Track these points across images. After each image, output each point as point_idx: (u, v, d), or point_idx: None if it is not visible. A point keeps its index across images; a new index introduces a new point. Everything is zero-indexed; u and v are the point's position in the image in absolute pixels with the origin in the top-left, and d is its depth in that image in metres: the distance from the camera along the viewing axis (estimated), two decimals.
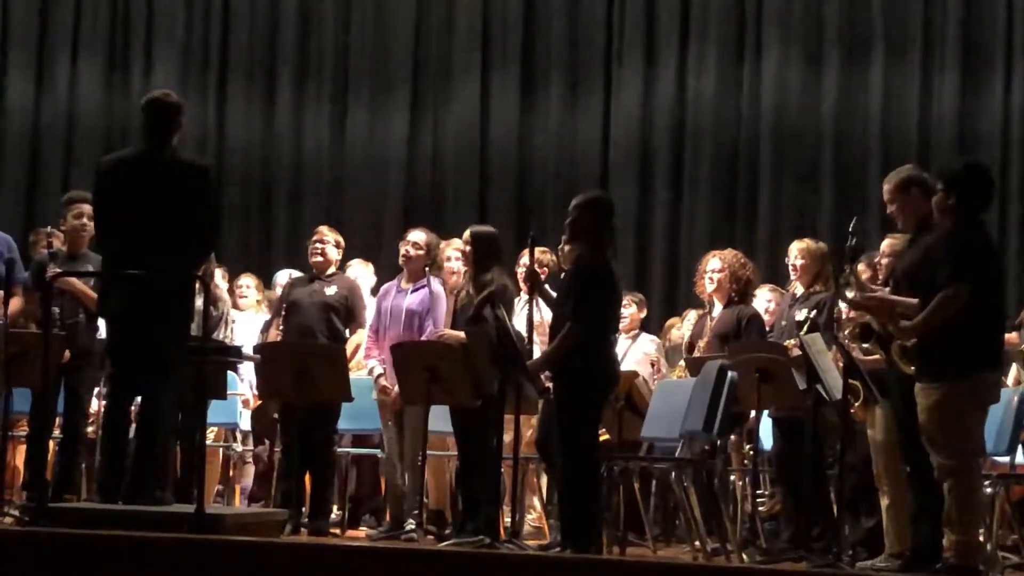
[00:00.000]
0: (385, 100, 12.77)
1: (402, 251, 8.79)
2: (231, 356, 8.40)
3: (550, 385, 7.37)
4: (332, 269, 8.88)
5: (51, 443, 8.49)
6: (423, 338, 8.47)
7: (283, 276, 10.10)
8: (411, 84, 12.77)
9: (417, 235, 8.79)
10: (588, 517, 7.04)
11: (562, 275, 7.66)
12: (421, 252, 8.70)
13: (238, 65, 13.06)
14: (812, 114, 11.98)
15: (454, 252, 8.84)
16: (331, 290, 8.75)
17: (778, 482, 8.50)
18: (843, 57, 11.93)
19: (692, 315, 9.58)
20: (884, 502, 7.11)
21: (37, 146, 13.12)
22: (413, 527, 8.21)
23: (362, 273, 9.69)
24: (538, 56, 12.64)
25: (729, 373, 7.85)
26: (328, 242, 8.89)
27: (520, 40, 12.63)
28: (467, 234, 8.38)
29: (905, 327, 6.28)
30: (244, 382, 9.49)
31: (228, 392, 8.90)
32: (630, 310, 9.56)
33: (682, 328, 9.82)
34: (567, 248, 7.49)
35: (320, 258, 8.85)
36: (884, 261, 7.22)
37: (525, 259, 8.17)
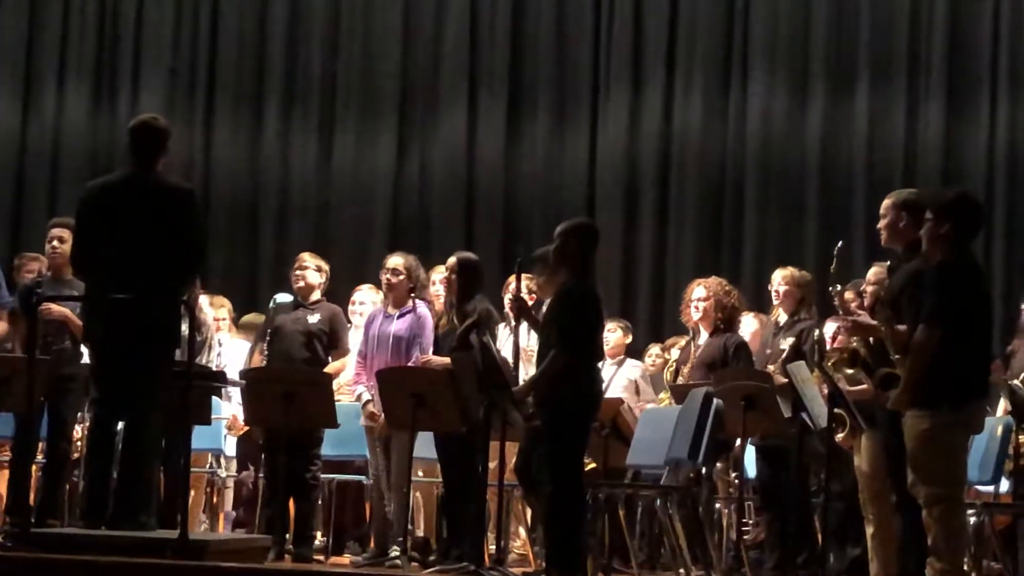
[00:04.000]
0: (372, 127, 12.78)
1: (383, 279, 8.78)
2: (216, 381, 8.39)
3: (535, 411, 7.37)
4: (316, 295, 8.86)
5: (34, 468, 8.45)
6: (410, 364, 8.46)
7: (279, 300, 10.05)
8: (398, 111, 12.78)
9: (395, 260, 8.77)
10: (573, 544, 7.02)
11: (546, 302, 7.66)
12: (402, 277, 8.69)
13: (225, 90, 13.06)
14: (797, 143, 12.01)
15: (439, 277, 8.84)
16: (314, 318, 8.74)
17: (763, 510, 8.50)
18: (829, 86, 11.97)
19: (680, 344, 9.62)
20: (869, 530, 7.11)
21: (23, 169, 13.08)
22: (398, 554, 8.19)
23: (372, 299, 9.64)
24: (525, 84, 12.67)
25: (715, 400, 7.86)
26: (308, 267, 8.88)
27: (507, 68, 12.65)
28: (452, 261, 8.39)
29: (898, 399, 6.24)
30: (232, 403, 9.47)
31: (213, 417, 8.88)
32: (615, 336, 9.55)
33: (669, 357, 9.82)
34: (544, 277, 7.52)
35: (301, 283, 8.85)
36: (869, 289, 7.23)
37: (512, 285, 8.17)
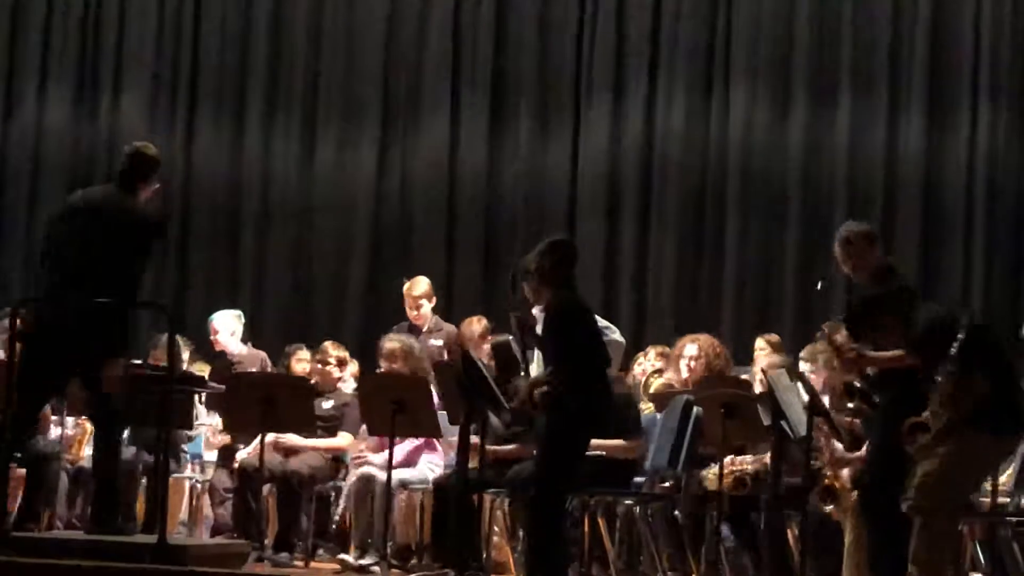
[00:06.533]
0: (354, 132, 12.76)
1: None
2: (196, 386, 8.38)
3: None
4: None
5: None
6: None
7: (219, 318, 10.04)
8: (380, 116, 12.77)
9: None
10: (554, 551, 7.02)
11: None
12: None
13: (207, 94, 13.03)
14: (779, 151, 12.03)
15: (424, 295, 8.86)
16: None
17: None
18: (810, 95, 11.99)
19: (652, 353, 9.63)
20: (848, 538, 7.12)
21: (3, 173, 13.04)
22: (377, 559, 8.18)
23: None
24: (507, 89, 12.66)
25: (695, 408, 7.88)
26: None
27: (489, 73, 12.65)
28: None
29: (925, 446, 6.23)
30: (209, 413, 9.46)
31: (196, 423, 8.89)
32: None
33: (643, 364, 9.82)
34: (532, 286, 7.50)
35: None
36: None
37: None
